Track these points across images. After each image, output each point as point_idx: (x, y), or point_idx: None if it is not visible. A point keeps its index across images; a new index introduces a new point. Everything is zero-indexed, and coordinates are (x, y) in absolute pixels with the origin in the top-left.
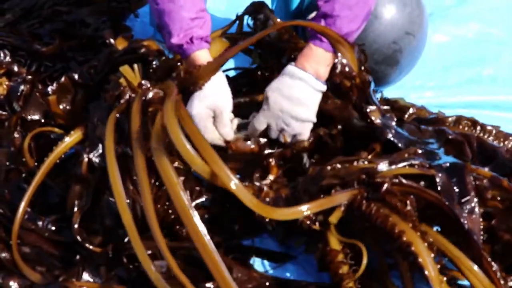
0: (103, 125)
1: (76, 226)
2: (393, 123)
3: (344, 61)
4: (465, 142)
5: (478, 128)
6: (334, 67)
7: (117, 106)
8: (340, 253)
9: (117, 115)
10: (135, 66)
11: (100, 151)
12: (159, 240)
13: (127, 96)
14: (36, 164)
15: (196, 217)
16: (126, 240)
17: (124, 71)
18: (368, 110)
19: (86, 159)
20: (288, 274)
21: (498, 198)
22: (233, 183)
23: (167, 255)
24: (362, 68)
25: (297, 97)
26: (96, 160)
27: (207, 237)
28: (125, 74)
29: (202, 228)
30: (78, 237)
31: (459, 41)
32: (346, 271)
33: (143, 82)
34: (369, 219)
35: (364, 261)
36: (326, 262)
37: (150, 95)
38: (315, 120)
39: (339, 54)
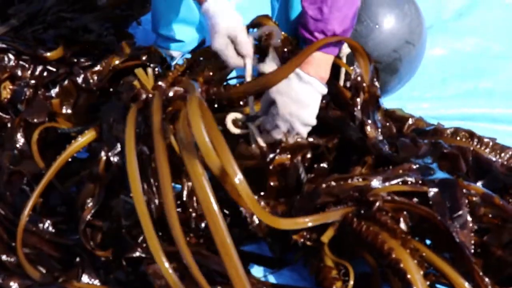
0: (119, 124)
1: (82, 226)
2: (386, 148)
3: (358, 70)
4: (460, 156)
5: (475, 140)
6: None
7: (135, 104)
8: (334, 269)
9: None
10: (149, 69)
11: (118, 149)
12: (178, 234)
13: (143, 96)
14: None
15: (217, 209)
16: (140, 239)
17: (139, 73)
18: (367, 125)
19: (104, 158)
20: (284, 280)
21: (490, 215)
22: (237, 179)
23: (185, 251)
24: (374, 80)
25: (304, 101)
26: (115, 159)
27: (226, 231)
28: (139, 76)
29: (222, 222)
30: (82, 237)
31: (457, 54)
32: (340, 287)
33: (160, 83)
34: (360, 236)
35: (351, 282)
36: (320, 278)
37: (171, 93)
38: (315, 123)
39: (355, 63)
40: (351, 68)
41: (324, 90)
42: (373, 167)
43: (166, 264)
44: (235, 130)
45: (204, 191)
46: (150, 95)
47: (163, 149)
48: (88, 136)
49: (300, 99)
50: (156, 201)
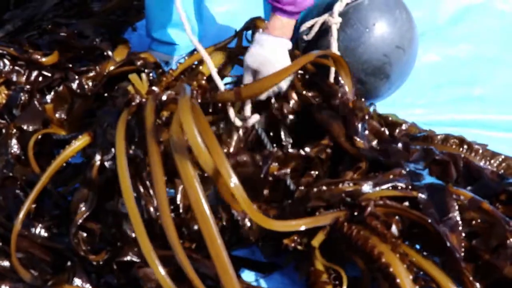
0: (113, 129)
1: (73, 229)
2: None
3: (343, 89)
4: (451, 163)
5: (465, 147)
6: (334, 92)
7: (127, 109)
8: (324, 273)
9: (129, 117)
10: (143, 75)
11: (112, 154)
12: (172, 236)
13: (137, 101)
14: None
15: (208, 211)
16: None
17: (133, 79)
18: (356, 140)
19: (98, 163)
20: (275, 284)
21: (479, 220)
22: (232, 182)
23: (179, 252)
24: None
25: (282, 61)
26: (108, 164)
27: (217, 234)
28: (133, 82)
29: (214, 225)
30: (74, 240)
31: (450, 61)
32: None
33: (153, 88)
34: (350, 240)
35: (344, 286)
36: (310, 282)
37: (164, 97)
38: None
39: (340, 80)
40: None
41: (290, 44)
42: (365, 173)
43: (160, 268)
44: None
45: (196, 194)
46: (144, 100)
47: (157, 152)
48: (82, 141)
49: (279, 61)
50: (155, 203)
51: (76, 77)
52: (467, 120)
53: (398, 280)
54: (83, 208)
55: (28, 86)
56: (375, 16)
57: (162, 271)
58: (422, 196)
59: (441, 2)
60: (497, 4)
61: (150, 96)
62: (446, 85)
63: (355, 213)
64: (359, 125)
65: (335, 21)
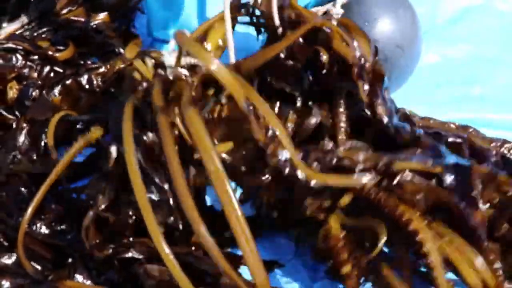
0: None
1: (88, 221)
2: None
3: (358, 53)
4: (463, 143)
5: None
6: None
7: (134, 94)
8: (341, 240)
9: (136, 101)
10: (148, 61)
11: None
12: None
13: (144, 85)
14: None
15: (227, 179)
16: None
17: (138, 64)
18: (378, 105)
19: (114, 154)
20: (276, 282)
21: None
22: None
23: (198, 223)
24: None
25: None
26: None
27: (238, 204)
28: (138, 67)
29: (233, 194)
30: (84, 235)
31: (449, 60)
32: (346, 258)
33: (159, 70)
34: (377, 207)
35: (380, 244)
36: (326, 249)
37: (171, 76)
38: None
39: (355, 43)
40: None
41: None
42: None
43: (167, 250)
44: None
45: (214, 161)
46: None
47: (169, 132)
48: (95, 132)
49: None
50: None
51: (86, 73)
52: (466, 119)
53: (425, 248)
54: (99, 200)
55: (39, 82)
56: (378, 12)
57: (166, 249)
58: (447, 173)
59: (441, 2)
60: (497, 4)
61: (156, 78)
62: (446, 84)
63: (387, 180)
64: (380, 89)
65: (336, 12)
